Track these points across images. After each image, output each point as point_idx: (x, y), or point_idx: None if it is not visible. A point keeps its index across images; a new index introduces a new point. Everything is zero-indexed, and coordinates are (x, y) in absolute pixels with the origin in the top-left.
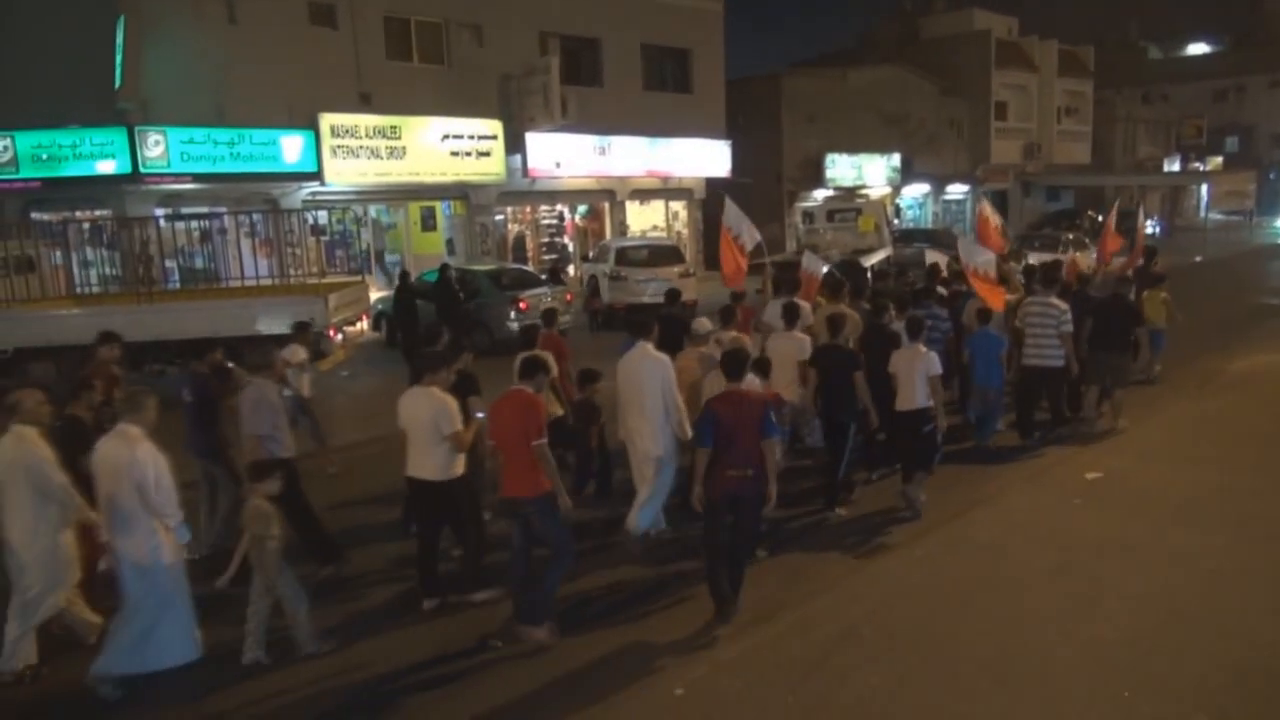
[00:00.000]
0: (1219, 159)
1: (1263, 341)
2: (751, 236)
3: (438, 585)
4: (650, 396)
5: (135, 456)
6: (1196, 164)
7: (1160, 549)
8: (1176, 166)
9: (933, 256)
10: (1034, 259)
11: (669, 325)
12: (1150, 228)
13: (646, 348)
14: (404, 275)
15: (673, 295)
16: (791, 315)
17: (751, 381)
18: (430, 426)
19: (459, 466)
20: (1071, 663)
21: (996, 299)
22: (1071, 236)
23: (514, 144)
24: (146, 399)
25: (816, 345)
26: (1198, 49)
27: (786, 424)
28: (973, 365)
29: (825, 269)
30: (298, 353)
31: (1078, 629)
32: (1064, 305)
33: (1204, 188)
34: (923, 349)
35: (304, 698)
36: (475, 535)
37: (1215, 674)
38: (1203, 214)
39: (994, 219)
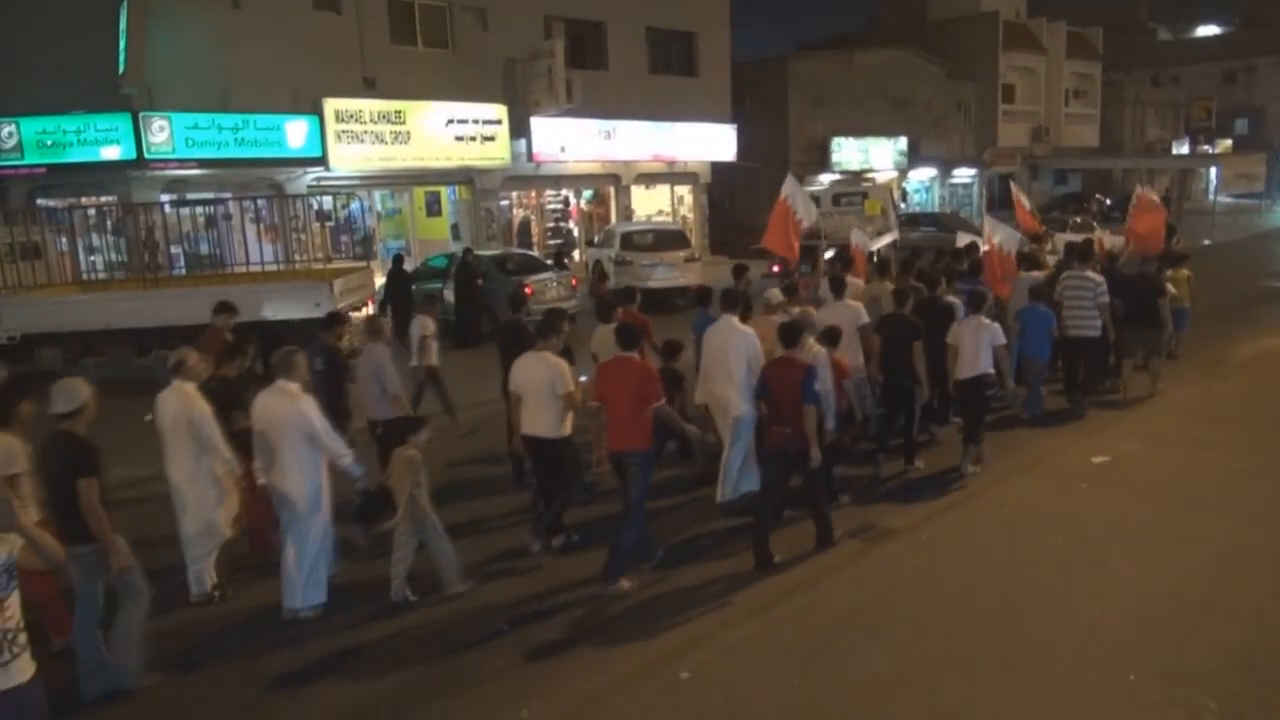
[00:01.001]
0: (1228, 141)
1: (1270, 325)
2: (809, 214)
3: (544, 532)
4: (736, 364)
5: (300, 409)
6: (1205, 147)
7: (1166, 533)
8: (1185, 149)
9: (966, 237)
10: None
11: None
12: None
13: (733, 320)
14: (398, 259)
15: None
16: (839, 287)
17: (818, 351)
18: (545, 388)
19: (568, 426)
20: (1076, 646)
21: (1003, 286)
22: (1079, 220)
23: (519, 128)
24: (296, 358)
25: (881, 315)
26: (1207, 30)
27: (850, 395)
28: (1023, 337)
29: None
30: (427, 324)
31: (1083, 613)
32: (1100, 278)
33: (1213, 170)
34: (985, 320)
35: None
36: (569, 489)
37: (1221, 658)
38: (1212, 197)
39: (1025, 201)
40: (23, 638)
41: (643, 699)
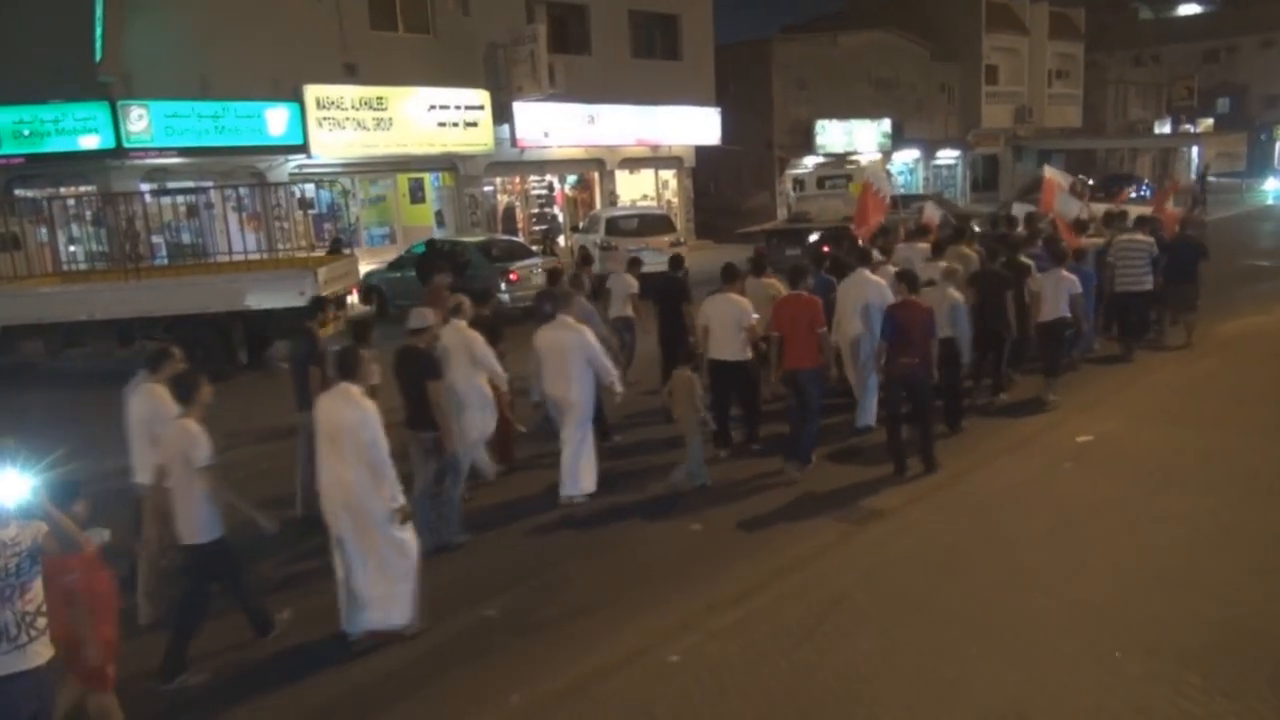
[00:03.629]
0: (1210, 120)
1: (1252, 303)
2: (888, 191)
3: (728, 439)
4: (856, 316)
5: (584, 339)
6: (1187, 126)
7: (1149, 511)
8: (1168, 129)
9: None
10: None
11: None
12: (1139, 191)
13: (864, 274)
14: (430, 243)
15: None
16: (938, 250)
17: (954, 296)
18: (734, 321)
19: (749, 352)
20: (1061, 625)
21: (1073, 242)
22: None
23: (502, 114)
24: (573, 297)
25: (972, 271)
26: (1189, 9)
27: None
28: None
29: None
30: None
31: (1068, 591)
32: (1150, 239)
33: (1195, 150)
34: (1064, 272)
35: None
36: (756, 402)
37: (1203, 634)
38: (1193, 176)
39: (1062, 181)
40: (41, 622)
41: (632, 683)
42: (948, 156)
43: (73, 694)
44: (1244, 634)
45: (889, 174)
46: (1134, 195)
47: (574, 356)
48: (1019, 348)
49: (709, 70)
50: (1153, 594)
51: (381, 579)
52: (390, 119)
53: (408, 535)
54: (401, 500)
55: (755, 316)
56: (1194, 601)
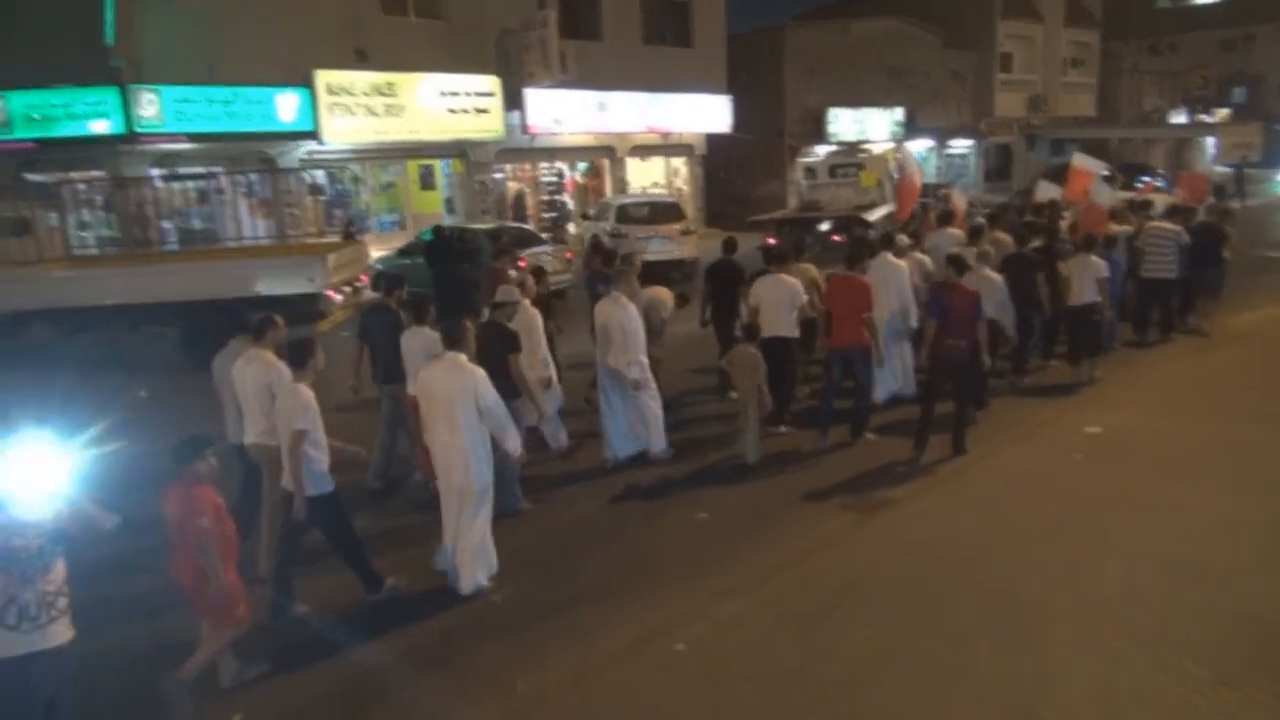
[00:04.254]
0: (1226, 110)
1: (1264, 295)
2: (920, 174)
3: (780, 417)
4: (892, 297)
5: (629, 312)
6: (1203, 116)
7: (1158, 503)
8: (1183, 118)
9: (1051, 191)
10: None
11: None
12: (1158, 182)
13: (887, 257)
14: (438, 229)
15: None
16: (975, 235)
17: (994, 277)
18: (786, 300)
19: (797, 330)
20: (1069, 616)
21: (1102, 228)
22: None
23: (512, 100)
24: (628, 274)
25: (1005, 255)
26: None
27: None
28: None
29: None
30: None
31: (1076, 583)
32: (1177, 227)
33: (1210, 140)
34: (1093, 258)
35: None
36: (795, 376)
37: (1211, 626)
38: (1210, 166)
39: (1095, 169)
40: (63, 602)
41: (638, 671)
42: (960, 145)
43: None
44: (1250, 625)
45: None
46: (1154, 185)
47: (615, 333)
48: (1051, 330)
49: (721, 57)
50: (1160, 585)
51: (463, 537)
52: (401, 105)
53: (485, 504)
54: (519, 448)
55: (805, 297)
56: (1201, 592)
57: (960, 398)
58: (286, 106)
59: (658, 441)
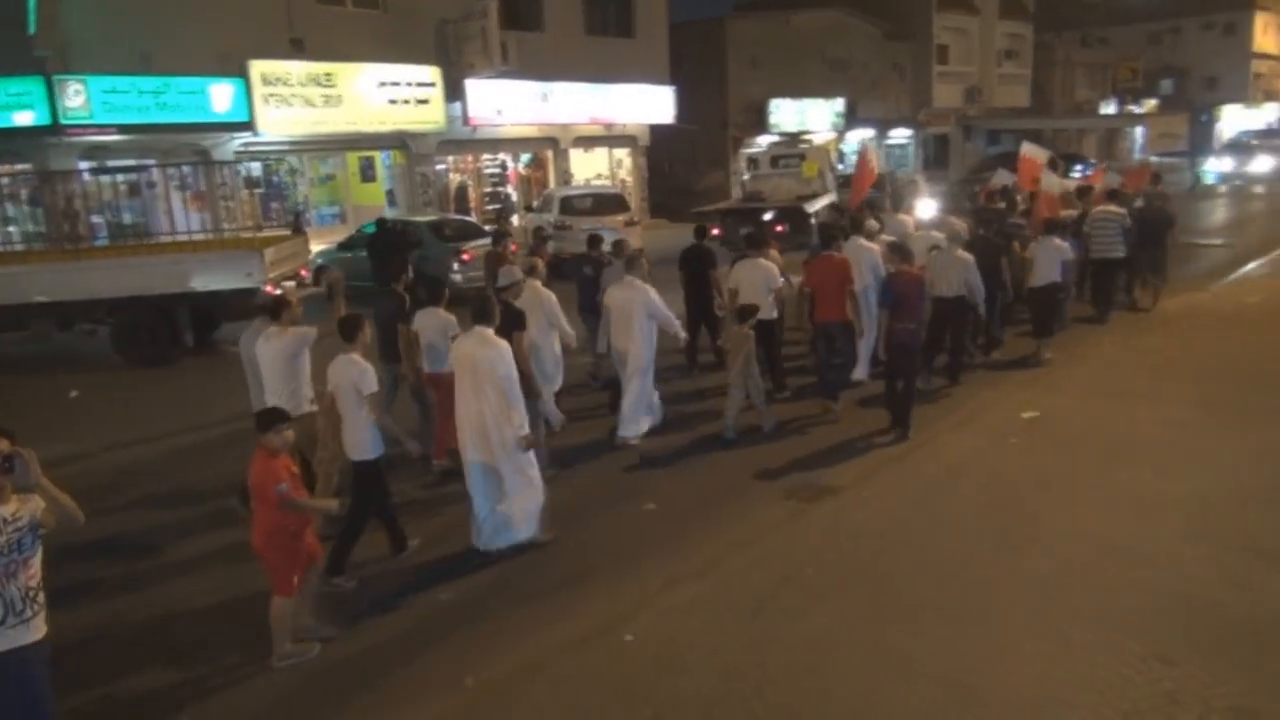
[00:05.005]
0: (1154, 101)
1: (1191, 281)
2: (876, 164)
3: (781, 386)
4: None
5: (649, 297)
6: (1132, 107)
7: (1092, 484)
8: (1113, 109)
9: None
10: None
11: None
12: (1083, 170)
13: (859, 240)
14: (381, 221)
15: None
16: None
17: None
18: (763, 283)
19: (775, 311)
20: (1010, 597)
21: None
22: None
23: (453, 91)
24: (639, 259)
25: (966, 240)
26: None
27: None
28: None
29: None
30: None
31: (1015, 564)
32: (1124, 210)
33: (1139, 130)
34: (1057, 241)
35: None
36: (779, 356)
37: (1145, 603)
38: (1137, 155)
39: (1041, 157)
40: (42, 596)
41: (588, 662)
42: (900, 136)
43: (312, 585)
44: (1183, 602)
45: (840, 154)
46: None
47: (639, 313)
48: (1007, 310)
49: (663, 48)
50: (1096, 564)
51: (507, 499)
52: (339, 96)
53: (530, 458)
54: (527, 429)
55: (782, 280)
56: (1135, 571)
57: (907, 379)
58: (220, 97)
59: (631, 426)
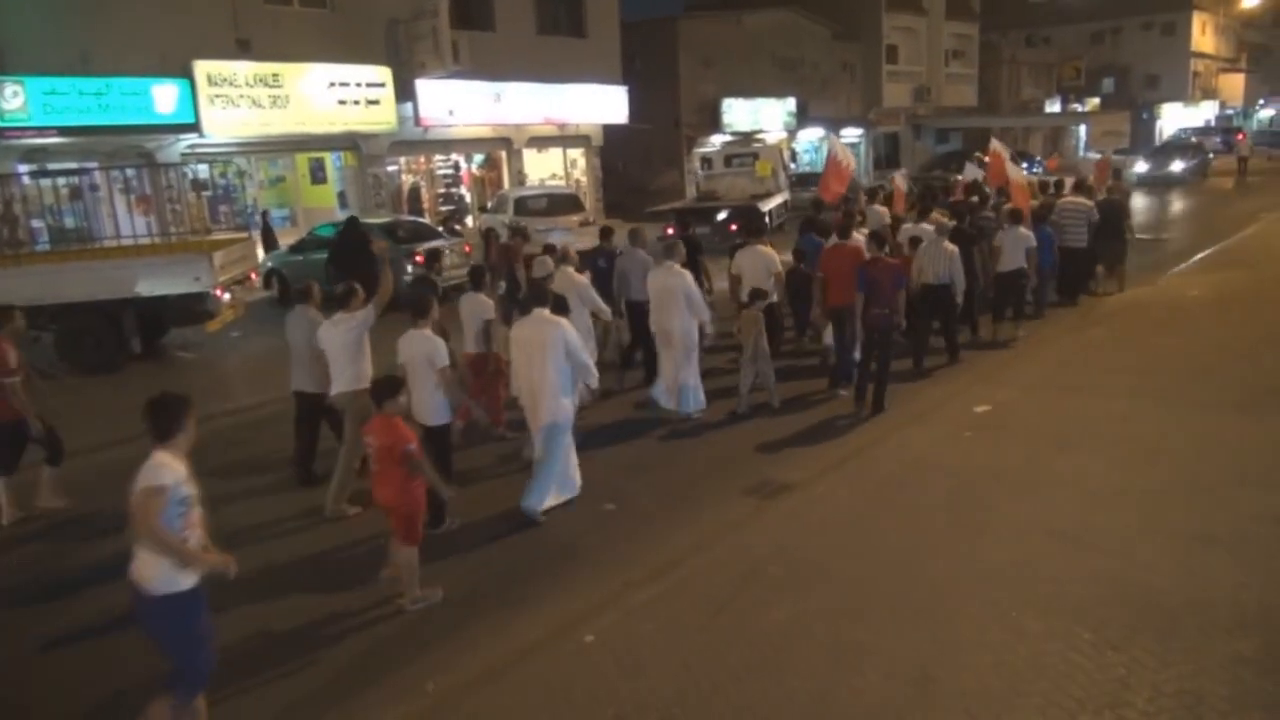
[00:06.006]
0: (1096, 100)
1: (1132, 275)
2: (851, 165)
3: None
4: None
5: (686, 282)
6: (1075, 105)
7: (1044, 475)
8: (1057, 108)
9: (975, 173)
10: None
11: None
12: (1029, 168)
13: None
14: (352, 220)
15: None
16: (924, 214)
17: (952, 249)
18: (764, 269)
19: (775, 295)
20: (965, 587)
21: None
22: (961, 178)
23: (404, 92)
24: (677, 246)
25: (950, 230)
26: None
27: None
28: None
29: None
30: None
31: (970, 555)
32: (1090, 202)
33: (1082, 128)
34: (1022, 230)
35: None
36: (780, 339)
37: (1095, 591)
38: (1081, 153)
39: (1004, 152)
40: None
41: (549, 664)
42: (851, 135)
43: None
44: (1133, 589)
45: (793, 153)
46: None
47: (679, 297)
48: (978, 295)
49: (615, 48)
50: (1049, 554)
51: (554, 464)
52: (287, 96)
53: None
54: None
55: (780, 266)
56: (1087, 559)
57: (882, 361)
58: (164, 98)
59: (684, 404)
